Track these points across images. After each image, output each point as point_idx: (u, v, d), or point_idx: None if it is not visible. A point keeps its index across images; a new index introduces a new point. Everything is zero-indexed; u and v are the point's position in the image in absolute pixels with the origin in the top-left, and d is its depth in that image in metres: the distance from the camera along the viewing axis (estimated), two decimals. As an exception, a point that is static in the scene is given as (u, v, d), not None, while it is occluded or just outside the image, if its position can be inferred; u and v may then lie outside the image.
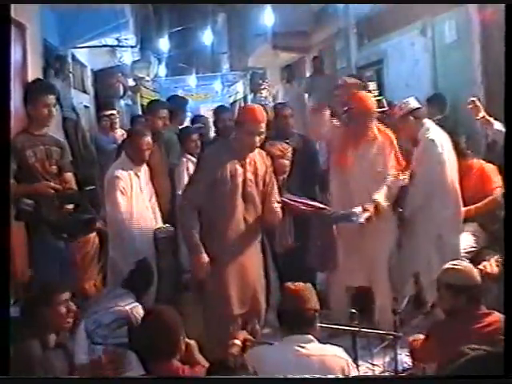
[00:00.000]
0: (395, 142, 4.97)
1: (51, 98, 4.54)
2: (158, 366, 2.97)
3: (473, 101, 5.05)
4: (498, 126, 4.89)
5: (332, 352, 3.20)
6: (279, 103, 7.32)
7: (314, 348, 3.16)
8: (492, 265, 4.07)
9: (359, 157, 4.89)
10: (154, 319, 3.11)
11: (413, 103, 5.04)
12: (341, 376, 3.08)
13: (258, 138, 4.26)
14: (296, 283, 3.27)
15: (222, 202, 4.25)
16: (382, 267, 4.88)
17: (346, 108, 5.11)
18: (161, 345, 2.99)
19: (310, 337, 3.19)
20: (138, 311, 4.17)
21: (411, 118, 4.97)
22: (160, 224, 4.96)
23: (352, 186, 4.89)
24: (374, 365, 4.00)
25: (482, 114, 5.02)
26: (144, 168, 4.96)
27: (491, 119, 4.99)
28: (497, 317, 3.24)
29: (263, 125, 4.28)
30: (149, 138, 4.91)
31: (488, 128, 5.08)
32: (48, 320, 3.14)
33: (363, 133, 4.89)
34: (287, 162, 4.91)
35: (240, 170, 4.29)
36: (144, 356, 3.15)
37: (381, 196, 4.76)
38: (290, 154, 4.93)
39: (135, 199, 4.81)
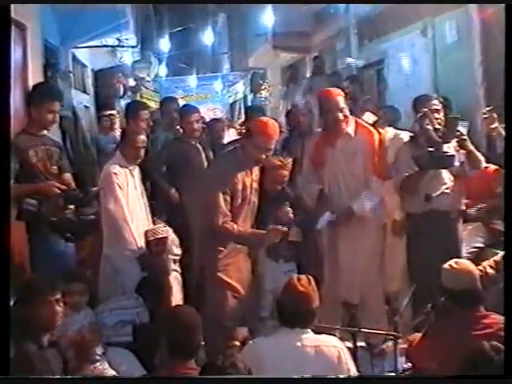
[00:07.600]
0: (383, 141, 4.78)
1: (57, 105, 4.54)
2: (174, 366, 2.94)
3: (488, 112, 5.06)
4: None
5: (327, 341, 3.24)
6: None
7: (309, 338, 3.21)
8: (492, 265, 4.05)
9: (336, 155, 4.71)
10: (175, 319, 3.08)
11: None
12: (337, 363, 3.13)
13: (265, 155, 4.22)
14: (302, 281, 3.25)
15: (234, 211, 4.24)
16: (368, 283, 4.73)
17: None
18: (182, 345, 2.97)
19: (307, 329, 3.22)
20: (145, 316, 4.17)
21: None
22: (151, 225, 4.94)
23: (330, 187, 4.75)
24: (374, 365, 4.01)
25: (496, 124, 5.00)
26: (137, 167, 4.98)
27: (502, 130, 5.00)
28: (495, 318, 3.21)
29: (274, 141, 4.23)
30: (143, 137, 4.96)
31: (498, 137, 5.08)
32: (40, 319, 3.11)
33: (335, 128, 4.67)
34: (286, 173, 4.85)
35: (248, 181, 4.30)
36: (160, 356, 3.12)
37: (357, 204, 4.60)
38: (289, 166, 4.88)
39: (131, 197, 4.82)
